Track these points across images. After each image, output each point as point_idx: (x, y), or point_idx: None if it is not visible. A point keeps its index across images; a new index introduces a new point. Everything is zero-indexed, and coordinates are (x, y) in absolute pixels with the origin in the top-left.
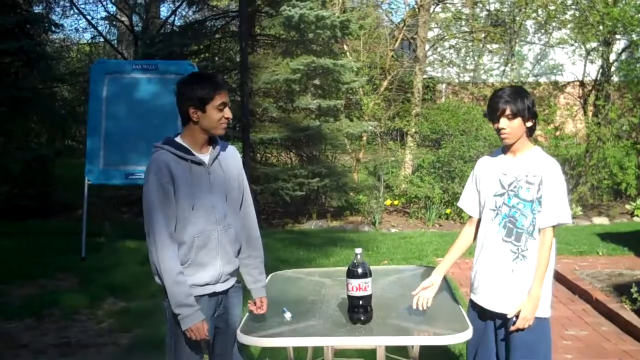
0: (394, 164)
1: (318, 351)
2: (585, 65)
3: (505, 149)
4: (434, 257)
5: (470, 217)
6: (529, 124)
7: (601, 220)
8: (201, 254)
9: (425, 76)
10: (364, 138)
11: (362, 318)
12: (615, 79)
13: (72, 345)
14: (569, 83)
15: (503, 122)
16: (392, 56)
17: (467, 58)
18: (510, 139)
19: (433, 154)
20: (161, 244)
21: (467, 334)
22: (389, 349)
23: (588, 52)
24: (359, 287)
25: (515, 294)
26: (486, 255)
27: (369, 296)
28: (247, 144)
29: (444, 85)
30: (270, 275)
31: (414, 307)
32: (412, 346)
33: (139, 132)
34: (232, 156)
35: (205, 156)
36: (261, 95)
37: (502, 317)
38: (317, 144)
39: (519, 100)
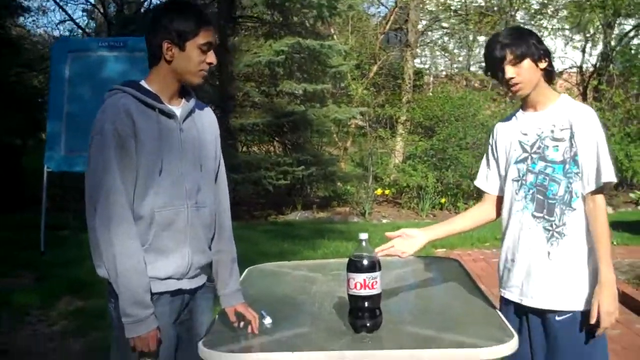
0: (383, 155)
1: None
2: (584, 51)
3: (524, 104)
4: (432, 248)
5: (483, 194)
6: (543, 64)
7: None
8: (164, 235)
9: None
10: (352, 125)
11: (369, 324)
12: (616, 64)
13: (9, 352)
14: (565, 70)
15: (509, 71)
16: (382, 41)
17: (459, 45)
18: (525, 87)
19: (426, 141)
20: (117, 218)
21: (512, 345)
22: None
23: (587, 38)
24: (365, 285)
25: (555, 284)
26: (513, 239)
27: (378, 296)
28: (227, 131)
29: (431, 78)
30: (246, 270)
31: (379, 252)
32: None
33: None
34: (209, 118)
35: (177, 109)
36: (243, 80)
37: (541, 313)
38: (302, 130)
39: (520, 39)
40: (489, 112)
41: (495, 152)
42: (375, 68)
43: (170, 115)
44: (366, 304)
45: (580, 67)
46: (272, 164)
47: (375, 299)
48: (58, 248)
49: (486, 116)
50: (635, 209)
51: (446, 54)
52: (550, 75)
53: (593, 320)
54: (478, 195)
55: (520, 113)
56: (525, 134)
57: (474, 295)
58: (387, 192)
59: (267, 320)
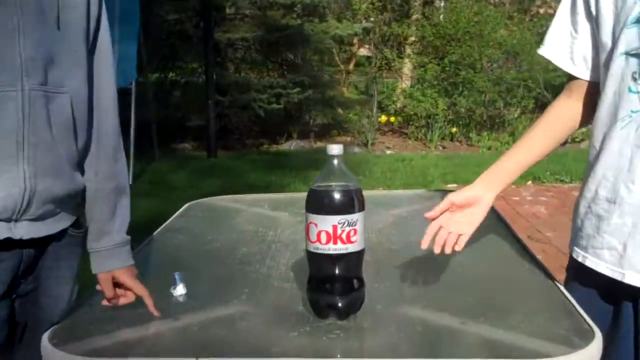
0: (389, 82)
1: None
2: None
3: None
4: (442, 183)
5: (568, 80)
6: None
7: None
8: None
9: None
10: (356, 47)
11: (340, 306)
12: None
13: None
14: None
15: None
16: None
17: None
18: None
19: (437, 63)
20: None
21: (595, 349)
22: None
23: None
24: (335, 236)
25: None
26: (617, 163)
27: (358, 256)
28: (210, 46)
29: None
30: (185, 206)
31: (435, 249)
32: None
33: None
34: None
35: None
36: None
37: None
38: (298, 47)
39: None
40: (506, 32)
41: (595, 4)
42: None
43: None
44: (337, 269)
45: None
46: (265, 86)
47: (352, 260)
48: None
49: (504, 35)
50: None
51: None
52: None
53: None
54: (493, 125)
55: None
56: None
57: (517, 257)
58: (392, 119)
59: (178, 291)
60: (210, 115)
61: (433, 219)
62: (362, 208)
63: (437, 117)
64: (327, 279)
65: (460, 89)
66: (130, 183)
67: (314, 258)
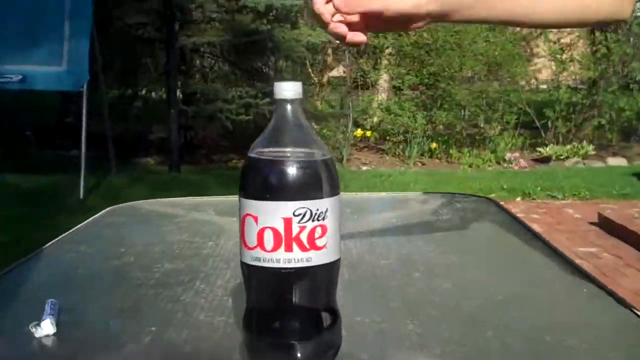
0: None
1: None
2: None
3: None
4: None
5: None
6: None
7: (618, 162)
8: None
9: None
10: (330, 56)
11: (300, 358)
12: None
13: None
14: None
15: None
16: None
17: None
18: None
19: (415, 74)
20: None
21: None
22: None
23: None
24: (288, 237)
25: None
26: None
27: (329, 270)
28: (174, 51)
29: None
30: (103, 210)
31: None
32: None
33: (8, 16)
34: None
35: None
36: None
37: None
38: (268, 55)
39: None
40: (487, 44)
41: None
42: None
43: None
44: (293, 296)
45: None
46: (233, 95)
47: (318, 280)
48: None
49: (485, 47)
50: None
51: None
52: None
53: None
54: (473, 141)
55: None
56: None
57: (563, 275)
58: (368, 134)
59: (44, 329)
60: (172, 125)
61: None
62: (334, 191)
63: (415, 132)
64: (276, 313)
65: (440, 103)
66: (81, 198)
67: (254, 276)
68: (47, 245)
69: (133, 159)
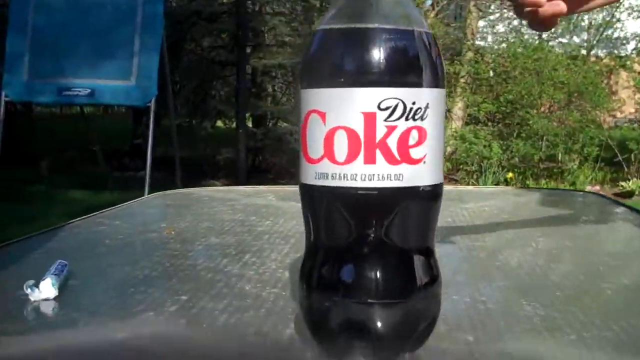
0: None
1: None
2: None
3: None
4: None
5: None
6: None
7: None
8: None
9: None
10: None
11: (380, 327)
12: None
13: None
14: None
15: None
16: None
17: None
18: None
19: (491, 102)
20: None
21: None
22: None
23: None
24: (371, 142)
25: None
26: None
27: (429, 196)
28: (244, 71)
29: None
30: (151, 195)
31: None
32: None
33: (80, 31)
34: None
35: None
36: (270, 14)
37: None
38: None
39: None
40: (568, 72)
41: None
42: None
43: None
44: (375, 228)
45: None
46: None
47: (414, 209)
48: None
49: (567, 74)
50: None
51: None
52: None
53: None
54: (551, 173)
55: None
56: None
57: None
58: None
59: (40, 293)
60: (240, 147)
61: None
62: (438, 80)
63: (490, 161)
64: (348, 258)
65: (517, 132)
66: None
67: (318, 201)
68: (76, 219)
69: (200, 182)
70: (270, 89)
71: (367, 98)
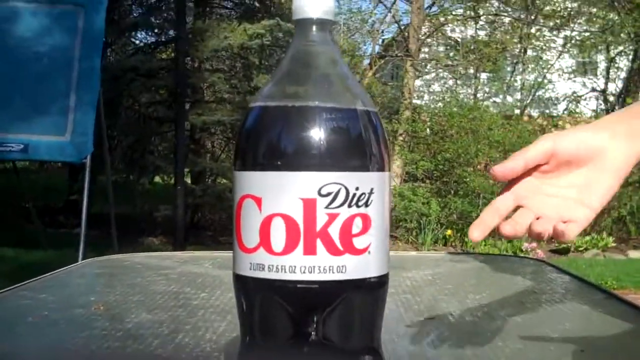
0: None
1: None
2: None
3: None
4: None
5: None
6: None
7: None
8: None
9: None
10: None
11: None
12: None
13: None
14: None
15: None
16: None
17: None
18: None
19: (429, 160)
20: None
21: None
22: None
23: (611, 59)
24: (310, 231)
25: None
26: None
27: (373, 288)
28: (182, 127)
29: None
30: (77, 263)
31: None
32: None
33: (14, 84)
34: None
35: None
36: (210, 71)
37: None
38: None
39: None
40: (505, 129)
41: None
42: (370, 74)
43: None
44: (318, 329)
45: (604, 92)
46: None
47: (356, 302)
48: None
49: (502, 134)
50: None
51: (451, 75)
52: None
53: None
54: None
55: None
56: None
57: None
58: None
59: None
60: (179, 203)
61: (504, 178)
62: (384, 164)
63: (429, 218)
64: (287, 354)
65: (454, 189)
66: None
67: (254, 294)
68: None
69: (138, 239)
70: (210, 146)
71: (306, 183)
